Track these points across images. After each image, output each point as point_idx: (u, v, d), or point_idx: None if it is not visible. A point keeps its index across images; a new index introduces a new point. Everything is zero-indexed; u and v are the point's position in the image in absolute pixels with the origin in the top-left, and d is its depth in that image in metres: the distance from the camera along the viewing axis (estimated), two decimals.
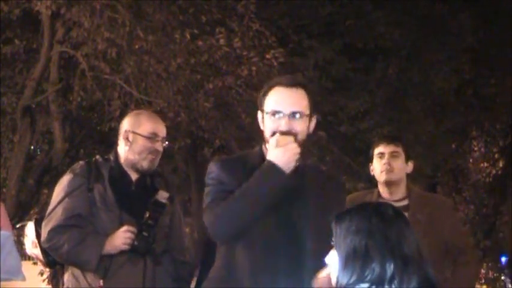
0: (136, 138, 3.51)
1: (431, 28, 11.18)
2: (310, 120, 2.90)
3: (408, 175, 4.15)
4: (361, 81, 10.95)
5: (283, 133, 2.81)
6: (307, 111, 2.87)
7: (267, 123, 2.88)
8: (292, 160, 2.80)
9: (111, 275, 3.37)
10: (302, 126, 2.85)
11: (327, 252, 2.60)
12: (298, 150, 2.81)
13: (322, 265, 2.71)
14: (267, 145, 2.87)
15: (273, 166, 2.77)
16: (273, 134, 2.83)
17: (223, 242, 2.85)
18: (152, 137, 3.51)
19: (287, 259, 2.78)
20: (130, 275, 3.39)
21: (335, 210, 2.80)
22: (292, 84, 2.89)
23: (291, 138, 2.81)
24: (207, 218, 2.83)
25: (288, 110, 2.83)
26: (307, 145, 3.05)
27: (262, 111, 2.90)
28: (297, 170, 2.84)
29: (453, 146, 14.00)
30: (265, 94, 2.91)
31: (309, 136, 2.92)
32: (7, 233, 2.89)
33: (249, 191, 2.77)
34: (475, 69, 12.17)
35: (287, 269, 2.77)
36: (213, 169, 2.91)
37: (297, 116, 2.84)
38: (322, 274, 2.71)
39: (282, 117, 2.83)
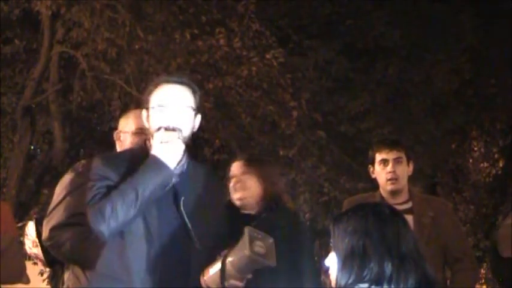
0: (125, 137, 3.53)
1: (431, 28, 11.17)
2: (195, 118, 2.93)
3: (409, 177, 4.15)
4: (361, 81, 10.93)
5: (167, 129, 2.82)
6: (193, 109, 2.91)
7: (152, 118, 2.89)
8: (177, 156, 2.83)
9: None
10: (187, 123, 2.88)
11: (208, 250, 2.68)
12: (182, 146, 2.85)
13: (207, 263, 2.71)
14: (151, 141, 2.88)
15: (157, 161, 2.79)
16: (158, 129, 2.84)
17: (107, 238, 2.78)
18: (139, 132, 3.50)
19: (171, 256, 2.78)
20: None
21: (215, 208, 2.93)
22: (178, 82, 2.93)
23: (175, 134, 2.82)
24: (90, 213, 2.78)
25: (173, 106, 2.86)
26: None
27: (148, 108, 2.91)
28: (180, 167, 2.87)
29: (453, 146, 13.97)
30: (150, 92, 2.92)
31: (193, 134, 2.96)
32: None
33: (132, 186, 2.75)
34: (475, 69, 12.13)
35: (174, 265, 2.77)
36: (96, 164, 2.86)
37: (182, 112, 2.87)
38: (210, 272, 2.71)
39: (167, 112, 2.85)
